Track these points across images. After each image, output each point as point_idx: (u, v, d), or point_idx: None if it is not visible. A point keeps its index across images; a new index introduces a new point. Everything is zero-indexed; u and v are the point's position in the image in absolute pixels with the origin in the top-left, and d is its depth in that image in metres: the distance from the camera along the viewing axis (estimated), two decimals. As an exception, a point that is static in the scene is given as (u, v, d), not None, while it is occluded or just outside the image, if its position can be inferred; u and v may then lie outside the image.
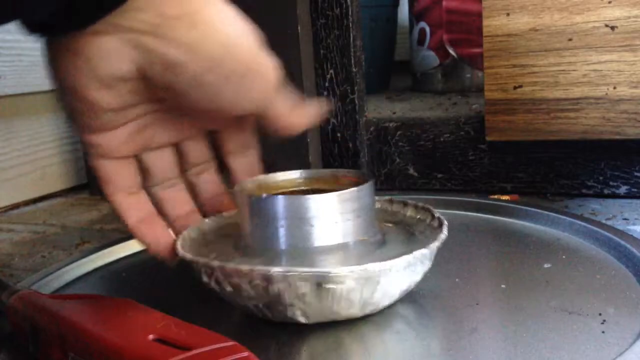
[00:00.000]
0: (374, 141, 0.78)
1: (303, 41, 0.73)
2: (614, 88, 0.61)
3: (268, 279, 0.33)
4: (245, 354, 0.26)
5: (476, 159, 0.73)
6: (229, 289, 0.35)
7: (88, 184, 0.91)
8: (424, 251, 0.35)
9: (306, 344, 0.35)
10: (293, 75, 0.74)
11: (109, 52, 0.33)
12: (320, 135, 0.79)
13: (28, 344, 0.34)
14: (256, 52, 0.38)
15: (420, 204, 0.43)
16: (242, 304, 0.36)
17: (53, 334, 0.31)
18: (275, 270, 0.32)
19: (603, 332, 0.33)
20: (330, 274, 0.32)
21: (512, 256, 0.47)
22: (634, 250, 0.42)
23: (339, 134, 0.79)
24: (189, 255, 0.36)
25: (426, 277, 0.38)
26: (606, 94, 0.62)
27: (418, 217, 0.43)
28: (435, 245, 0.36)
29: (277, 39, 0.75)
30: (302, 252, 0.36)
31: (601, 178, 0.66)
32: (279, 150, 0.77)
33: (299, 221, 0.36)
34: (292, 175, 0.44)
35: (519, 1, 0.64)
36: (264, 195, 0.38)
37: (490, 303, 0.39)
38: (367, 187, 0.38)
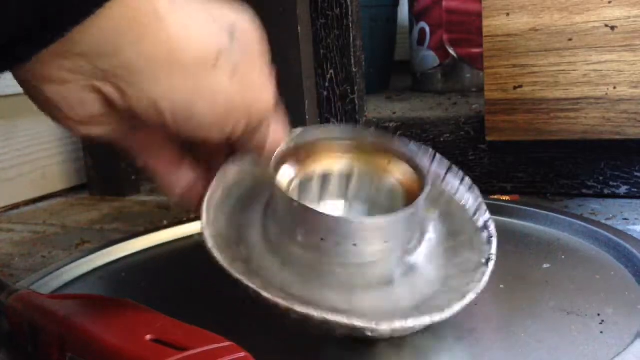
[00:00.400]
0: (373, 141, 0.78)
1: (303, 41, 0.73)
2: (614, 88, 0.61)
3: (305, 317, 0.31)
4: (242, 354, 0.26)
5: (476, 159, 0.72)
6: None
7: (88, 184, 0.91)
8: (459, 304, 0.33)
9: (306, 344, 0.35)
10: (293, 74, 0.74)
11: (70, 99, 0.30)
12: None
13: (27, 344, 0.33)
14: (238, 94, 0.33)
15: (473, 186, 0.41)
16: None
17: (52, 334, 0.31)
18: (315, 314, 0.31)
19: (602, 332, 0.33)
20: (367, 329, 0.31)
21: (512, 256, 0.46)
22: (634, 251, 0.42)
23: (338, 134, 0.79)
24: (227, 267, 0.33)
25: None
26: (606, 94, 0.62)
27: (466, 208, 0.40)
28: (475, 293, 0.34)
29: (277, 39, 0.75)
30: (343, 273, 0.34)
31: (601, 178, 0.66)
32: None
33: (341, 239, 0.33)
34: (332, 134, 0.39)
35: (519, 1, 0.64)
36: (307, 206, 0.35)
37: (490, 303, 0.39)
38: (420, 204, 0.35)
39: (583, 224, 0.49)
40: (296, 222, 0.34)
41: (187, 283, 0.39)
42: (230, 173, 0.37)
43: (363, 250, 0.33)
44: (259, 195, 0.37)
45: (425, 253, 0.36)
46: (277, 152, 0.36)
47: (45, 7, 0.26)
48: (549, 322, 0.35)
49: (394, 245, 0.35)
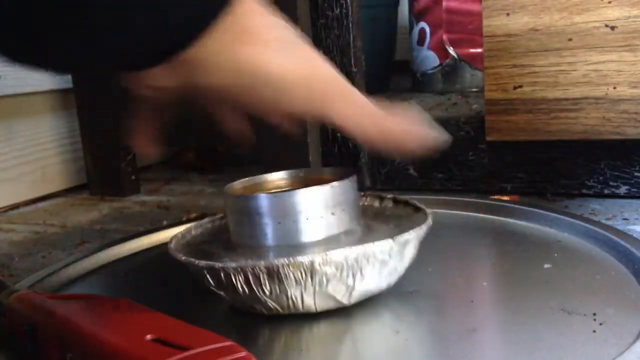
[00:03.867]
0: (374, 141, 0.78)
1: (303, 41, 0.73)
2: (614, 88, 0.61)
3: (269, 269, 0.34)
4: (243, 353, 0.26)
5: (476, 159, 0.72)
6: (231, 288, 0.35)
7: (88, 184, 0.91)
8: (407, 235, 0.36)
9: (304, 344, 0.35)
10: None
11: (155, 74, 0.35)
12: (320, 135, 0.79)
13: (27, 344, 0.33)
14: (305, 73, 0.38)
15: (404, 198, 0.45)
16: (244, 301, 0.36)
17: (51, 334, 0.31)
18: (262, 262, 0.34)
19: (602, 332, 0.33)
20: (314, 261, 0.34)
21: (512, 256, 0.46)
22: (634, 251, 0.42)
23: (339, 134, 0.79)
24: (194, 261, 0.37)
25: (425, 277, 0.38)
26: (606, 94, 0.62)
27: (404, 211, 0.44)
28: (419, 230, 0.37)
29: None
30: (290, 247, 0.37)
31: (601, 178, 0.66)
32: (280, 151, 0.77)
33: (284, 218, 0.37)
34: (279, 176, 0.45)
35: (519, 1, 0.64)
36: (248, 194, 0.39)
37: (490, 303, 0.39)
38: (350, 182, 0.39)
39: (583, 224, 0.48)
40: (241, 212, 0.38)
41: (187, 283, 0.40)
42: (197, 227, 0.45)
43: (306, 225, 0.37)
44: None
45: (368, 232, 0.40)
46: (231, 184, 0.42)
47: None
48: (549, 322, 0.35)
49: (338, 220, 0.38)
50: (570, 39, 0.62)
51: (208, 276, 0.36)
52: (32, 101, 0.88)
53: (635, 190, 0.65)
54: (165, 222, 0.71)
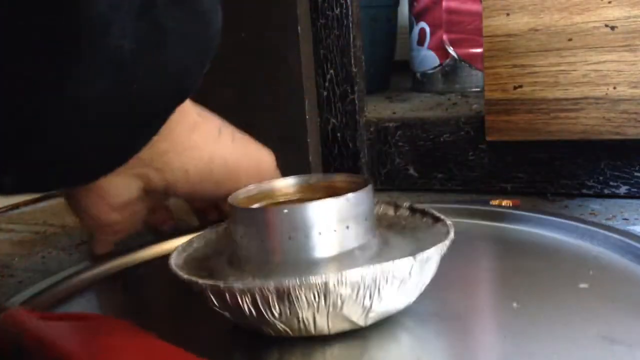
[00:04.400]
0: (374, 141, 0.78)
1: (303, 41, 0.73)
2: (614, 88, 0.61)
3: (278, 292, 0.31)
4: None
5: (476, 159, 0.72)
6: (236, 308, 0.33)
7: (88, 184, 0.91)
8: (429, 252, 0.33)
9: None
10: (293, 74, 0.74)
11: (119, 187, 0.42)
12: (320, 135, 0.79)
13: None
14: (241, 154, 0.46)
15: (422, 207, 0.41)
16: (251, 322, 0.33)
17: (38, 358, 0.29)
18: (272, 283, 0.31)
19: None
20: (328, 281, 0.31)
21: (543, 274, 0.41)
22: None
23: (339, 134, 0.79)
24: (196, 279, 0.34)
25: (446, 295, 0.35)
26: (606, 94, 0.62)
27: (421, 222, 0.40)
28: (442, 245, 0.34)
29: (277, 39, 0.75)
30: (301, 264, 0.34)
31: (601, 178, 0.66)
32: (279, 151, 0.77)
33: (295, 232, 0.34)
34: (286, 183, 0.42)
35: (519, 1, 0.64)
36: (255, 206, 0.37)
37: (521, 329, 0.34)
38: (366, 192, 0.36)
39: (620, 237, 0.43)
40: (248, 226, 0.36)
41: (191, 298, 0.36)
42: (197, 240, 0.42)
43: (319, 240, 0.34)
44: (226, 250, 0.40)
45: (385, 247, 0.37)
46: (235, 193, 0.40)
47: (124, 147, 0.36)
48: (590, 353, 0.31)
49: (353, 234, 0.35)
50: (570, 39, 0.62)
51: (212, 296, 0.33)
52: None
53: (635, 190, 0.65)
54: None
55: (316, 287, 0.31)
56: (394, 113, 0.83)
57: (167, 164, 0.42)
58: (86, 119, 0.30)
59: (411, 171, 0.77)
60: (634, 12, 0.59)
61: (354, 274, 0.31)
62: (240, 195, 0.40)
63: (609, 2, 0.60)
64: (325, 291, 0.31)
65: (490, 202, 0.64)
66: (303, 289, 0.31)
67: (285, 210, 0.34)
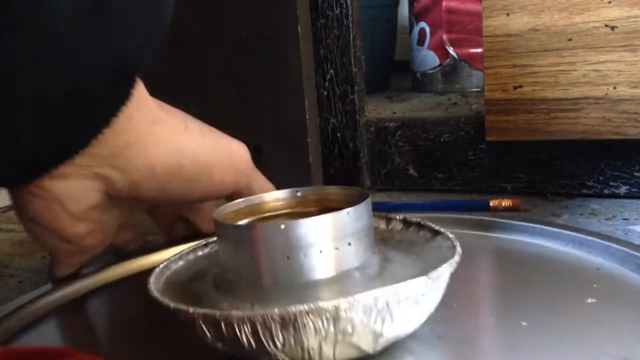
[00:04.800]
0: (374, 141, 0.78)
1: (303, 41, 0.73)
2: (614, 88, 0.61)
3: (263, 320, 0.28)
4: None
5: (476, 159, 0.72)
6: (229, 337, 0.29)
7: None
8: (442, 269, 0.30)
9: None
10: (293, 74, 0.74)
11: (75, 191, 0.36)
12: (321, 135, 0.79)
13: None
14: (212, 147, 0.41)
15: (416, 219, 0.39)
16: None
17: None
18: (276, 310, 0.28)
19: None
20: (338, 307, 0.28)
21: (546, 288, 0.39)
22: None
23: (339, 134, 0.79)
24: (182, 306, 0.30)
25: (451, 315, 0.34)
26: (606, 94, 0.62)
27: (417, 235, 0.38)
28: (453, 262, 0.31)
29: (277, 39, 0.75)
30: (301, 287, 0.31)
31: (601, 178, 0.66)
32: (279, 151, 0.77)
33: (292, 252, 0.31)
34: (277, 196, 0.39)
35: (519, 1, 0.64)
36: (242, 222, 0.34)
37: (534, 349, 0.32)
38: (366, 205, 0.33)
39: (622, 248, 0.42)
40: (235, 244, 0.32)
41: (164, 327, 0.34)
42: (179, 259, 0.39)
43: (314, 260, 0.31)
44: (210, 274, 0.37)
45: (385, 266, 0.34)
46: (221, 208, 0.36)
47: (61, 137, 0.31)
48: None
49: (351, 253, 0.32)
50: (570, 39, 0.62)
51: (204, 326, 0.29)
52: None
53: (635, 190, 0.65)
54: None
55: (326, 313, 0.28)
56: (394, 113, 0.83)
57: (130, 160, 0.36)
58: (16, 96, 0.26)
59: (411, 171, 0.77)
60: (634, 12, 0.59)
61: (367, 297, 0.28)
62: (226, 210, 0.36)
63: (609, 2, 0.60)
64: (336, 317, 0.28)
65: (490, 202, 0.64)
66: (311, 315, 0.27)
67: (283, 226, 0.31)
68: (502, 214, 0.63)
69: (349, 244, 0.32)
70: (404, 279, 0.29)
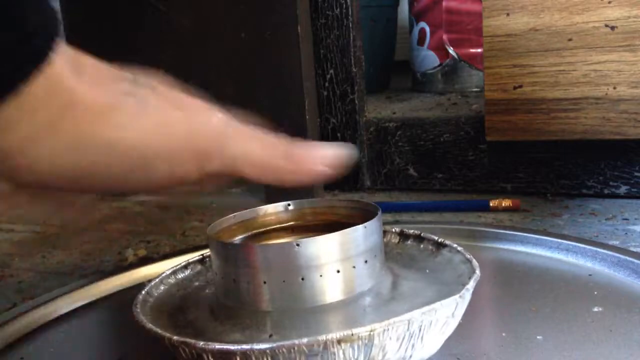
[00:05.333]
0: (374, 141, 0.78)
1: (303, 41, 0.73)
2: (614, 88, 0.61)
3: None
4: None
5: (476, 159, 0.72)
6: None
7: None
8: (470, 286, 0.28)
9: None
10: (293, 74, 0.74)
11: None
12: (321, 135, 0.79)
13: None
14: (156, 126, 0.30)
15: (414, 232, 0.37)
16: None
17: None
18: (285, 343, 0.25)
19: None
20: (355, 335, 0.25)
21: (549, 298, 0.38)
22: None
23: (339, 134, 0.79)
24: (167, 334, 0.27)
25: (464, 332, 0.32)
26: (606, 94, 0.62)
27: (417, 248, 0.36)
28: (476, 277, 0.30)
29: (277, 39, 0.75)
30: (315, 310, 0.29)
31: (601, 178, 0.66)
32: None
33: (308, 272, 0.29)
34: (277, 209, 0.37)
35: (519, 1, 0.64)
36: (238, 242, 0.32)
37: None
38: (378, 220, 0.31)
39: (613, 253, 0.42)
40: (233, 265, 0.30)
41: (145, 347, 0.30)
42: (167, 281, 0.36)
43: (316, 284, 0.29)
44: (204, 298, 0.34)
45: (394, 289, 0.32)
46: (216, 225, 0.34)
47: None
48: None
49: (360, 275, 0.30)
50: (570, 39, 0.62)
51: None
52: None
53: (635, 190, 0.65)
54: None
55: (360, 340, 0.25)
56: (394, 113, 0.83)
57: (31, 152, 0.28)
58: None
59: (411, 171, 0.77)
60: (634, 12, 0.59)
61: (402, 320, 0.26)
62: (222, 226, 0.34)
63: (609, 2, 0.60)
64: (369, 343, 0.26)
65: (490, 202, 0.64)
66: (343, 343, 0.25)
67: (298, 245, 0.28)
68: (502, 215, 0.63)
69: (365, 261, 0.30)
70: (427, 298, 0.28)
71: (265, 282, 0.29)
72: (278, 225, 0.37)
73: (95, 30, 0.85)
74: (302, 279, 0.29)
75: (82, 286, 0.45)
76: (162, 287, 0.35)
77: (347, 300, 0.29)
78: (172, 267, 0.37)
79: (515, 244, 0.48)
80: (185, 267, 0.37)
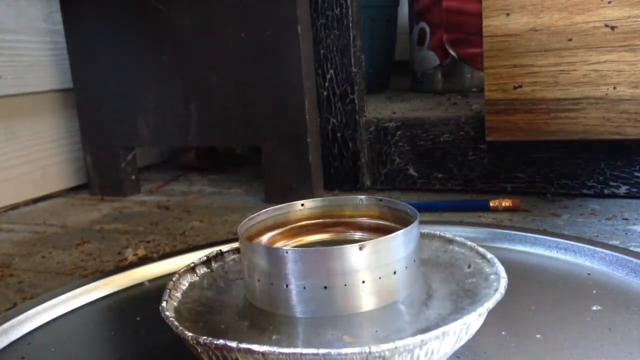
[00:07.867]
0: (374, 141, 0.78)
1: (303, 41, 0.73)
2: (614, 88, 0.61)
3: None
4: None
5: (476, 159, 0.72)
6: None
7: (88, 184, 0.91)
8: (501, 291, 0.29)
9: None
10: (293, 74, 0.74)
11: None
12: (321, 135, 0.79)
13: None
14: None
15: (463, 240, 0.37)
16: None
17: None
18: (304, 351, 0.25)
19: None
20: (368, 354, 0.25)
21: (547, 297, 0.39)
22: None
23: (339, 134, 0.79)
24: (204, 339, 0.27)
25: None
26: (606, 94, 0.62)
27: (463, 255, 0.36)
28: (504, 281, 0.30)
29: (277, 39, 0.75)
30: (353, 317, 0.28)
31: (601, 178, 0.66)
32: (279, 151, 0.77)
33: (350, 278, 0.28)
34: (306, 209, 0.36)
35: (519, 1, 0.64)
36: (271, 246, 0.31)
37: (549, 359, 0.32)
38: (411, 230, 0.30)
39: (611, 252, 0.42)
40: (263, 269, 0.29)
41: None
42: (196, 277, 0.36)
43: (347, 293, 0.28)
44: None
45: (426, 299, 0.32)
46: (246, 222, 0.33)
47: None
48: None
49: (395, 283, 0.29)
50: (570, 39, 0.62)
51: None
52: (32, 101, 0.88)
53: (635, 190, 0.65)
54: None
55: (405, 352, 0.25)
56: (394, 113, 0.83)
57: None
58: None
59: (411, 171, 0.77)
60: (634, 12, 0.59)
61: (456, 327, 0.25)
62: (255, 227, 0.33)
63: (609, 2, 0.60)
64: (420, 351, 0.25)
65: (490, 202, 0.64)
66: (397, 353, 0.25)
67: (360, 247, 0.27)
68: (502, 215, 0.63)
69: (406, 267, 0.30)
70: (458, 311, 0.28)
71: (296, 288, 0.28)
72: (306, 222, 0.36)
73: (95, 31, 0.85)
74: (345, 285, 0.28)
75: (82, 286, 0.45)
76: (181, 289, 0.34)
77: (385, 308, 0.29)
78: (188, 267, 0.36)
79: (514, 244, 0.48)
80: (206, 262, 0.37)
